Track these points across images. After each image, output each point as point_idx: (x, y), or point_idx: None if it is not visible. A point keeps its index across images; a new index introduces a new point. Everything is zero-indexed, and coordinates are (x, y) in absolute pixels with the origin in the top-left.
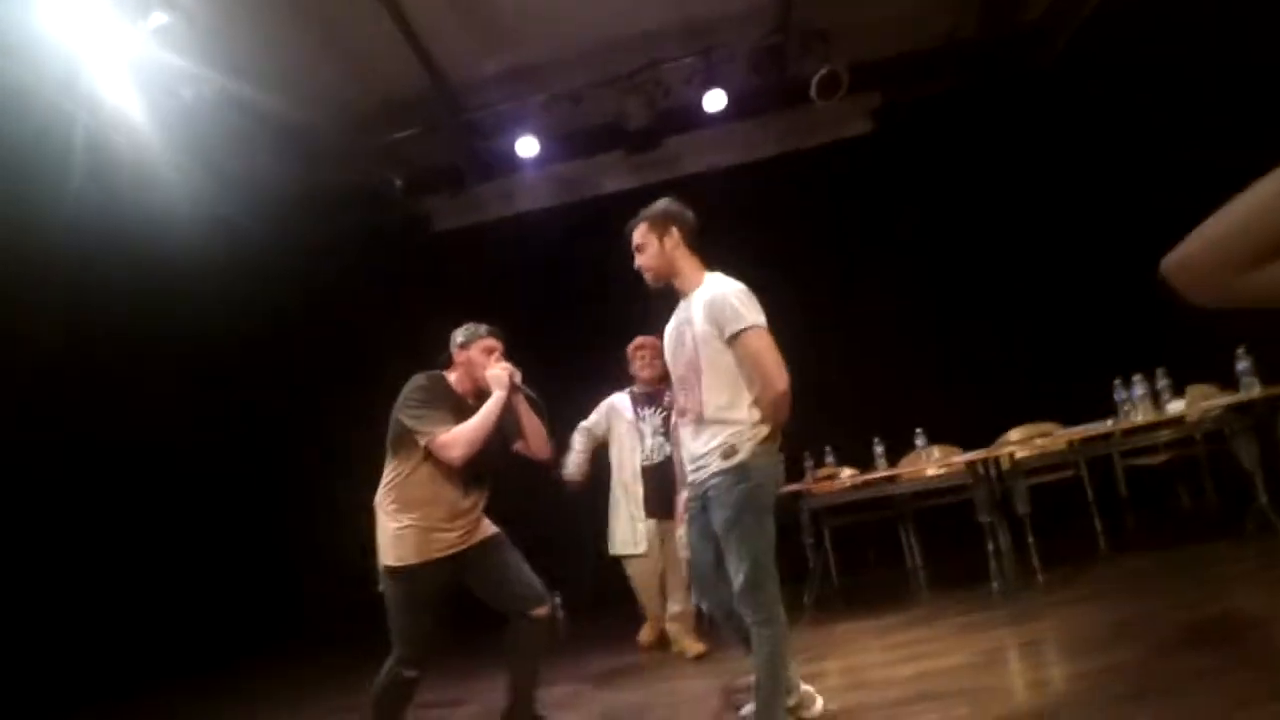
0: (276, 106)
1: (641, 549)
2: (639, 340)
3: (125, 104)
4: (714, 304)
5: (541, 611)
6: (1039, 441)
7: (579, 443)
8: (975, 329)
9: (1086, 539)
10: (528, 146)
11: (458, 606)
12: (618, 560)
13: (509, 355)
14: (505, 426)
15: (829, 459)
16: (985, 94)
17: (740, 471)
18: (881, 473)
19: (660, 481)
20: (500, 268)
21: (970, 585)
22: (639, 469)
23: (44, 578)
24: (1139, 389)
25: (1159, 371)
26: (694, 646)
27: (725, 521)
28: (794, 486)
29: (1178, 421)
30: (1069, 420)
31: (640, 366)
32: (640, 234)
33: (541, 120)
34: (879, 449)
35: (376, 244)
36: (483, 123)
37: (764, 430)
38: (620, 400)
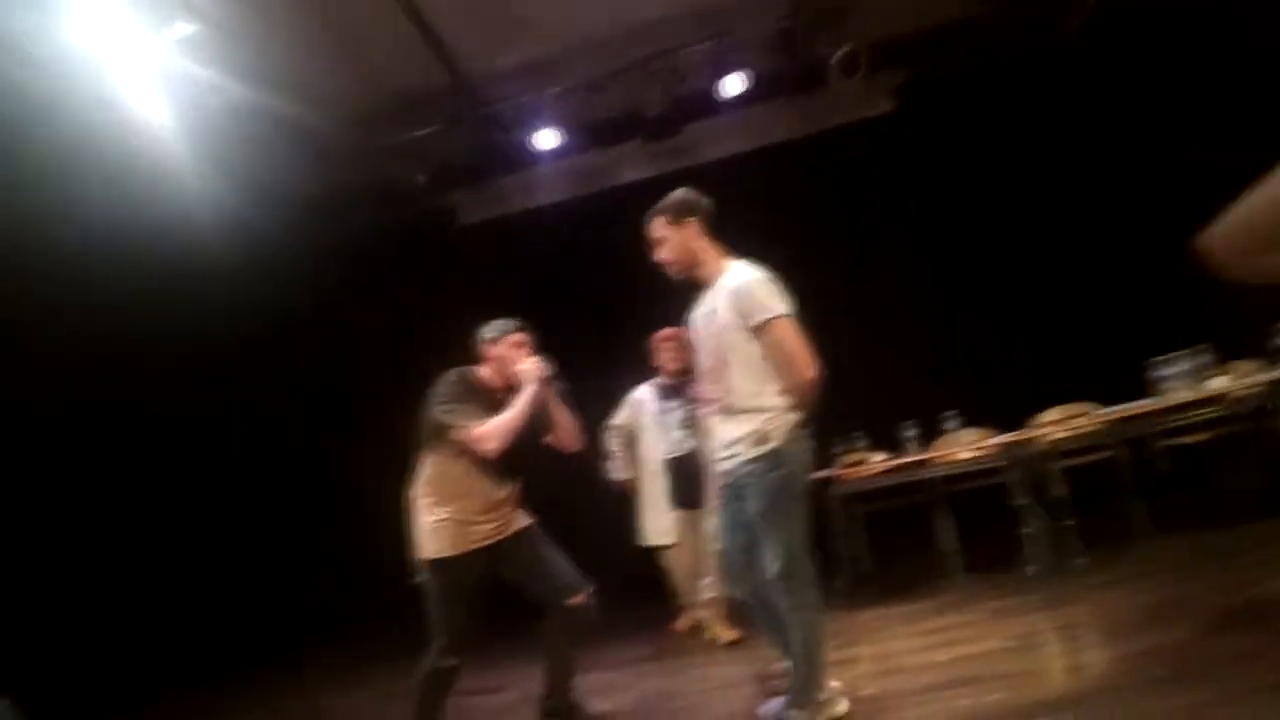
0: (297, 109)
1: (669, 540)
2: (665, 332)
3: (150, 113)
4: (738, 294)
5: (578, 600)
6: (1075, 422)
7: (615, 442)
8: (1008, 309)
9: (1123, 521)
10: (547, 138)
11: (495, 596)
12: (650, 550)
13: (536, 348)
14: (536, 420)
15: (859, 444)
16: (1011, 67)
17: (773, 459)
18: (912, 457)
19: (685, 473)
20: (524, 260)
21: (1004, 569)
22: (663, 462)
23: (70, 577)
24: (1180, 366)
25: (1200, 348)
26: (726, 634)
27: (759, 510)
28: (823, 473)
29: (1219, 399)
30: (1105, 400)
31: (666, 359)
32: (658, 227)
33: (559, 111)
34: (910, 433)
35: (402, 240)
36: (502, 116)
37: (794, 416)
38: (644, 393)
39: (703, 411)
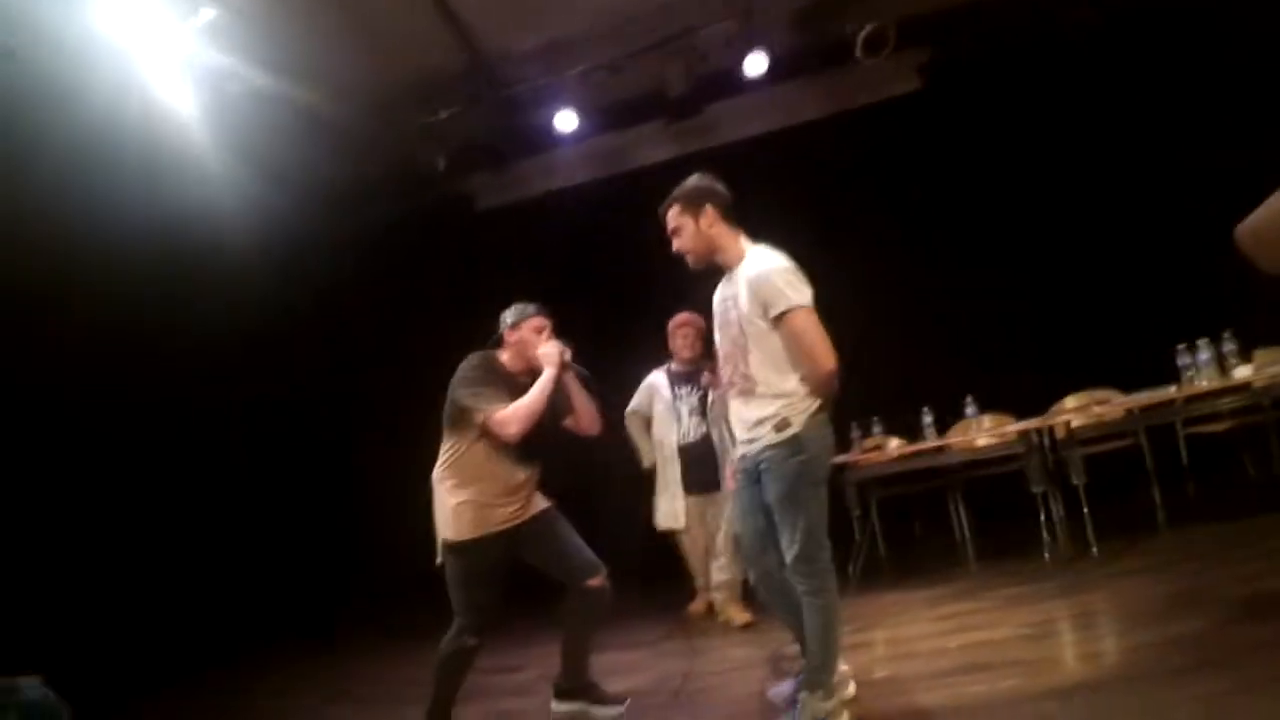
0: (316, 95)
1: (681, 524)
2: (681, 318)
3: (174, 100)
4: (758, 282)
5: (596, 582)
6: (1096, 409)
7: (634, 429)
8: (1030, 293)
9: (1144, 510)
10: (566, 120)
11: (515, 577)
12: (665, 533)
13: (557, 332)
14: (555, 403)
15: (876, 429)
16: (1038, 45)
17: (794, 444)
18: (930, 443)
19: (698, 459)
20: (544, 244)
21: (1021, 557)
22: (676, 448)
23: (102, 560)
24: (1204, 354)
25: (1225, 335)
26: (740, 616)
27: (780, 494)
28: (841, 458)
29: (1244, 387)
30: (1128, 387)
31: (681, 346)
32: (674, 216)
33: (580, 92)
34: (927, 419)
35: (422, 225)
36: (521, 98)
37: (815, 402)
38: (658, 379)
39: (721, 395)
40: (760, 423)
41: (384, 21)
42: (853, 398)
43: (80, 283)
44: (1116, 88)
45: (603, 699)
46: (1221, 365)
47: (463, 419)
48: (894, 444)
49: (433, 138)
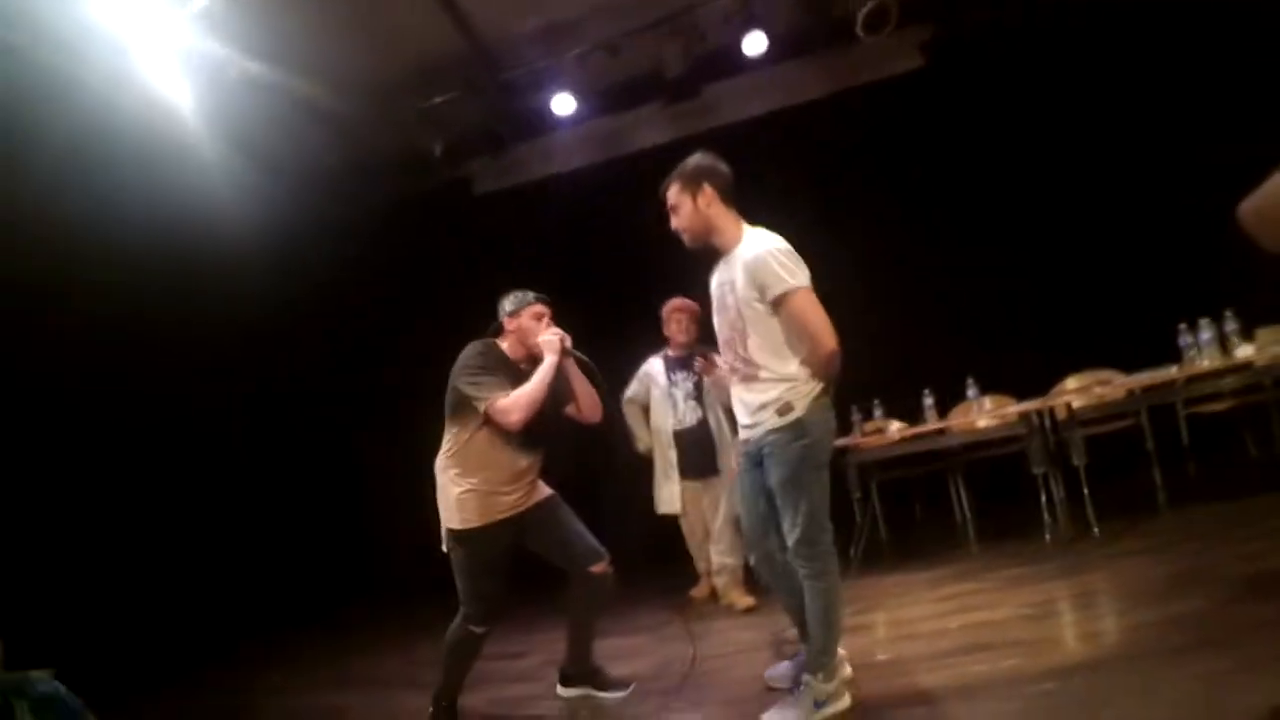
0: (313, 82)
1: (678, 509)
2: (676, 303)
3: (170, 88)
4: (755, 265)
5: (599, 568)
6: (1097, 390)
7: (631, 416)
8: (1031, 273)
9: (1145, 490)
10: (564, 104)
11: (518, 565)
12: (667, 519)
13: (557, 318)
14: (557, 391)
15: (877, 412)
16: (1041, 22)
17: (797, 428)
18: (931, 425)
19: (694, 444)
20: (543, 228)
21: (1022, 538)
22: (672, 434)
23: (110, 554)
24: (1205, 333)
25: (1227, 314)
26: (743, 600)
27: (782, 478)
28: (842, 441)
29: (1246, 366)
30: (1129, 367)
31: (676, 331)
32: (673, 194)
33: (577, 75)
34: (928, 401)
35: (420, 211)
36: (518, 82)
37: (817, 386)
38: (654, 365)
39: (716, 381)
40: (763, 407)
41: (380, 6)
42: (853, 380)
43: (79, 276)
44: (1118, 66)
45: (607, 684)
46: (1223, 344)
47: (464, 408)
48: (895, 426)
49: (430, 123)
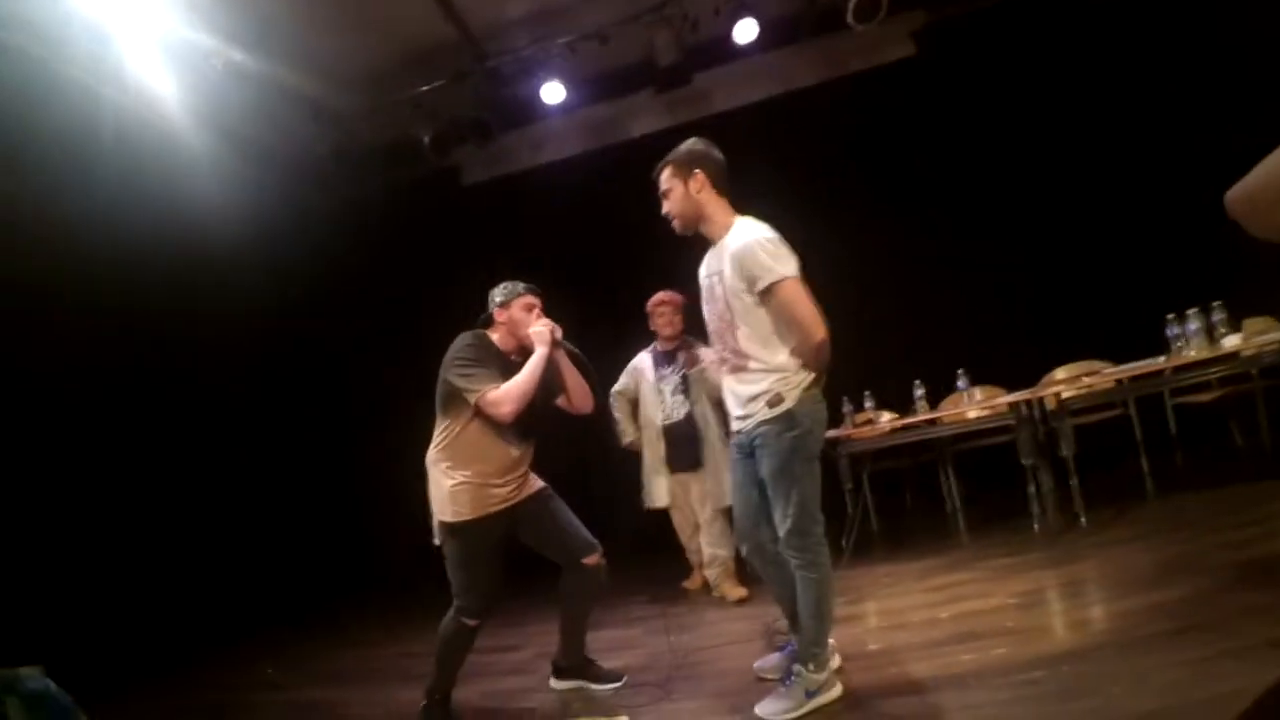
0: (299, 70)
1: (664, 503)
2: (659, 296)
3: (153, 78)
4: (742, 256)
5: (592, 560)
6: (1086, 380)
7: (618, 409)
8: (1021, 265)
9: (1133, 480)
10: (554, 92)
11: (511, 557)
12: (659, 511)
13: (547, 309)
14: (548, 382)
15: (868, 403)
16: (1034, 11)
17: (787, 419)
18: (922, 416)
19: (681, 438)
20: (533, 218)
21: (1011, 527)
22: (660, 428)
23: (99, 548)
24: (1193, 324)
25: (1215, 305)
26: (735, 591)
27: (773, 469)
28: (833, 432)
29: (1232, 357)
30: (1118, 358)
31: (662, 324)
32: (665, 178)
33: (567, 63)
34: (919, 392)
35: (409, 201)
36: (508, 70)
37: (808, 377)
38: (643, 360)
39: (699, 374)
40: (754, 399)
41: None
42: (845, 372)
43: (62, 270)
44: (1108, 57)
45: (600, 676)
46: (1210, 335)
47: (456, 400)
48: (886, 417)
49: (418, 112)
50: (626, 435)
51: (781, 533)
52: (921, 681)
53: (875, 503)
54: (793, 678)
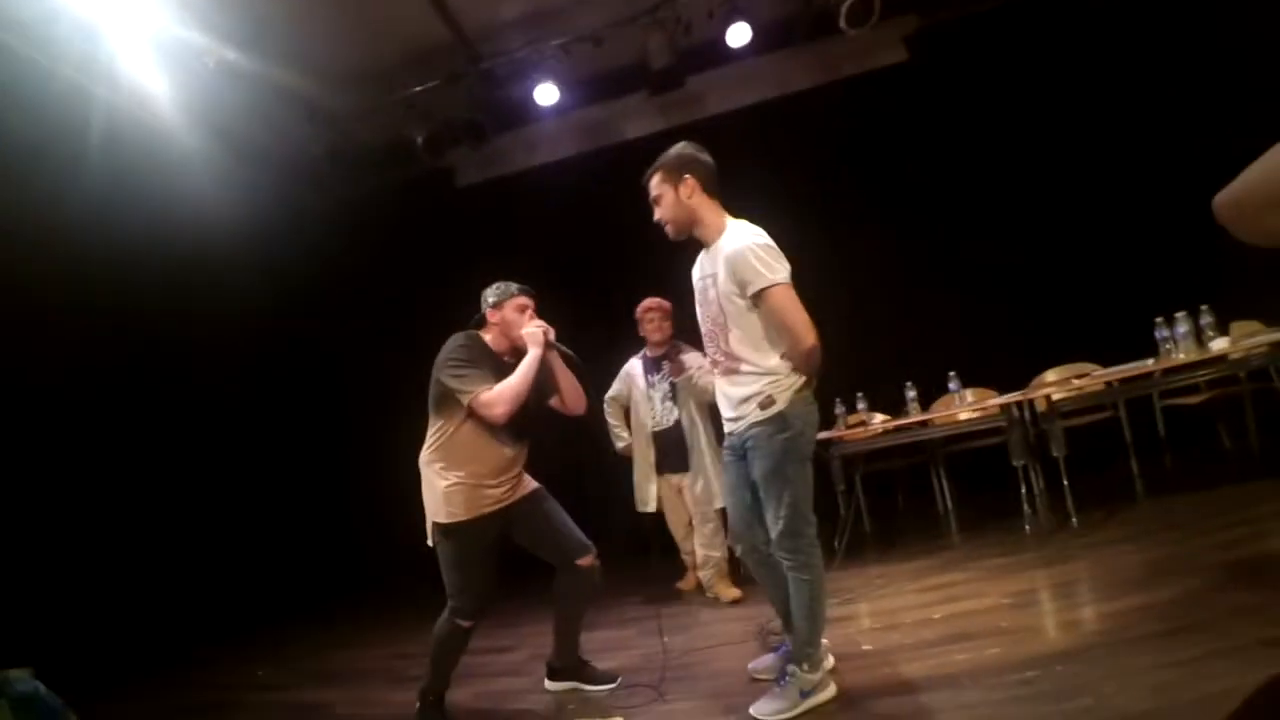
0: (293, 70)
1: (652, 508)
2: (647, 303)
3: (144, 77)
4: (735, 260)
5: (586, 561)
6: (1076, 382)
7: (611, 415)
8: (1012, 267)
9: (1123, 481)
10: (547, 94)
11: (504, 558)
12: (652, 514)
13: (540, 311)
14: (541, 383)
15: (860, 405)
16: (1025, 16)
17: (779, 421)
18: (914, 418)
19: (672, 444)
20: (526, 220)
21: (1003, 528)
22: (650, 434)
23: (89, 551)
24: (1182, 327)
25: (1203, 308)
26: (728, 592)
27: (765, 471)
28: (826, 434)
29: (1220, 359)
30: (1107, 360)
31: (651, 330)
32: (655, 185)
33: (561, 65)
34: (911, 394)
35: (402, 203)
36: (502, 72)
37: (799, 379)
38: (634, 366)
39: (686, 381)
40: (745, 401)
41: None
42: (837, 373)
43: (59, 270)
44: (1098, 62)
45: (594, 677)
46: (1199, 338)
47: (448, 401)
48: (878, 419)
49: (413, 113)
50: (621, 440)
51: (774, 534)
52: (915, 681)
53: (868, 504)
54: (787, 678)
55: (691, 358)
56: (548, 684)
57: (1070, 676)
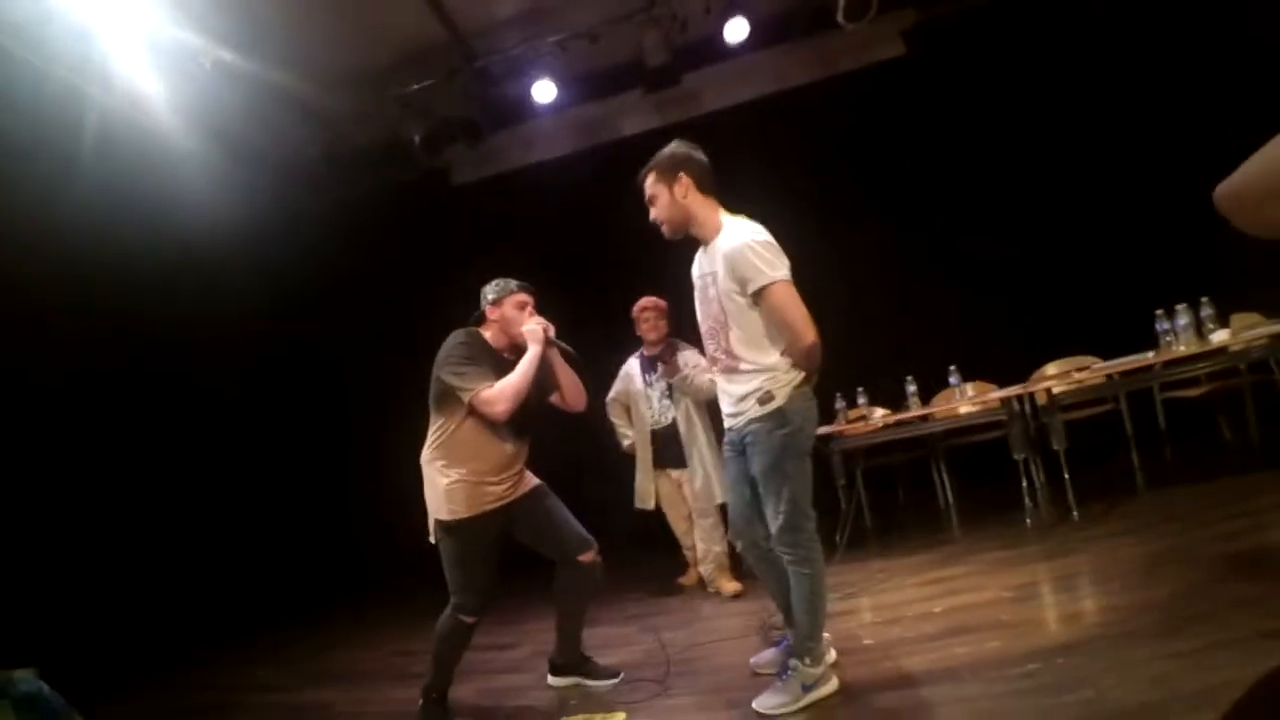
0: (288, 70)
1: (650, 505)
2: (643, 302)
3: (138, 78)
4: (734, 258)
5: (588, 557)
6: (1077, 376)
7: (614, 415)
8: (1011, 261)
9: (1124, 474)
10: (544, 91)
11: (508, 554)
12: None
13: (539, 308)
14: (541, 380)
15: (861, 400)
16: (1023, 9)
17: (778, 417)
18: (914, 412)
19: (670, 441)
20: (523, 218)
21: (1004, 522)
22: (649, 432)
23: (92, 551)
24: (1182, 319)
25: (1203, 301)
26: (729, 586)
27: (764, 466)
28: (826, 428)
29: (1221, 352)
30: (1108, 353)
31: (647, 329)
32: (650, 184)
33: (557, 62)
34: (911, 388)
35: (399, 202)
36: (498, 69)
37: (798, 375)
38: (632, 366)
39: (681, 381)
40: (745, 397)
41: None
42: (837, 368)
43: (55, 271)
44: (1096, 55)
45: (597, 673)
46: (1199, 330)
47: (449, 399)
48: (878, 414)
49: (409, 112)
50: (626, 438)
51: (773, 530)
52: (916, 675)
53: (868, 498)
54: (789, 672)
55: (687, 356)
56: (550, 680)
57: (1071, 669)
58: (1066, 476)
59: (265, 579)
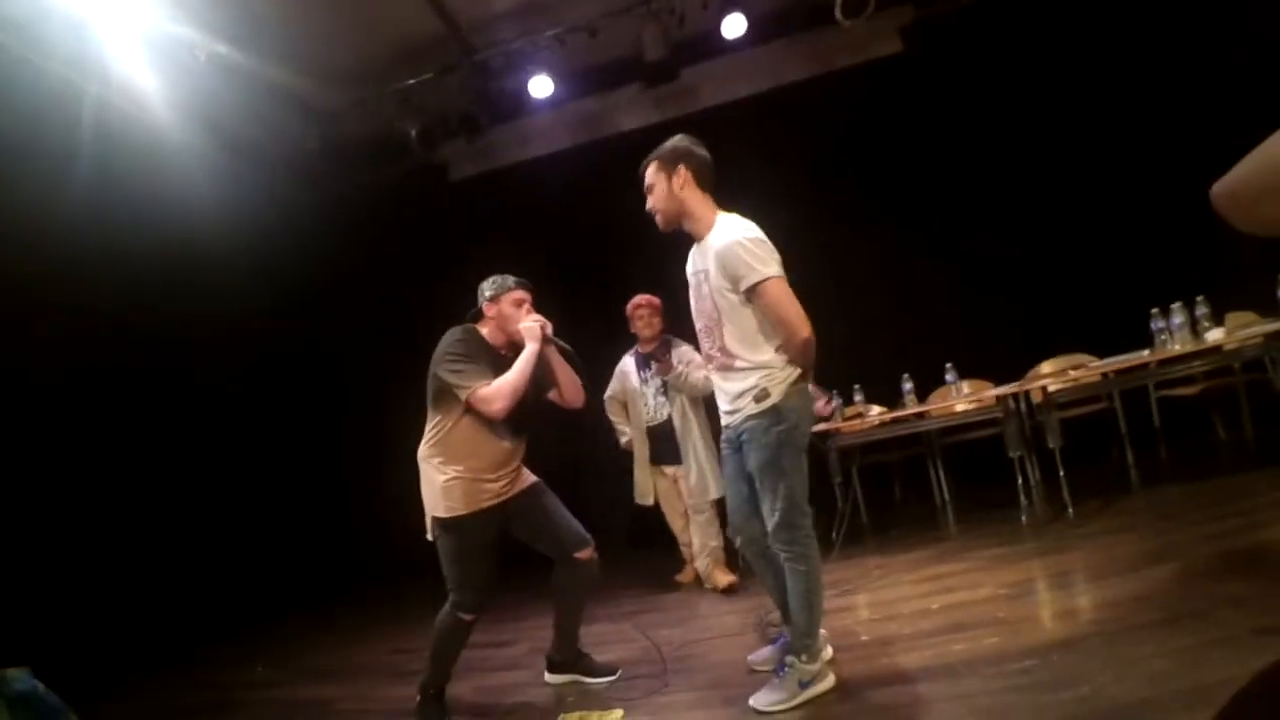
0: (285, 65)
1: (649, 501)
2: (637, 300)
3: (134, 73)
4: (725, 255)
5: (585, 554)
6: (1072, 374)
7: (612, 413)
8: (1008, 259)
9: (1119, 472)
10: (542, 86)
11: (505, 551)
12: (650, 506)
13: (536, 304)
14: (538, 377)
15: (857, 398)
16: (1021, 7)
17: (774, 414)
18: (910, 410)
19: (665, 437)
20: (521, 213)
21: (1000, 519)
22: (645, 429)
23: (86, 549)
24: (1177, 318)
25: (1198, 299)
26: (723, 578)
27: (761, 463)
28: (822, 426)
29: (1215, 350)
30: (1103, 352)
31: (641, 326)
32: (650, 174)
33: (555, 56)
34: (907, 386)
35: (396, 197)
36: (495, 63)
37: (794, 372)
38: (627, 363)
39: (675, 378)
40: (741, 395)
41: None
42: (834, 366)
43: (51, 268)
44: (1094, 53)
45: (594, 669)
46: (1194, 329)
47: (446, 396)
48: (875, 411)
49: (406, 106)
50: (624, 435)
51: (770, 526)
52: (913, 672)
53: (865, 496)
54: (786, 669)
55: (682, 352)
56: (548, 677)
57: (1067, 666)
58: (1062, 474)
59: (264, 575)
